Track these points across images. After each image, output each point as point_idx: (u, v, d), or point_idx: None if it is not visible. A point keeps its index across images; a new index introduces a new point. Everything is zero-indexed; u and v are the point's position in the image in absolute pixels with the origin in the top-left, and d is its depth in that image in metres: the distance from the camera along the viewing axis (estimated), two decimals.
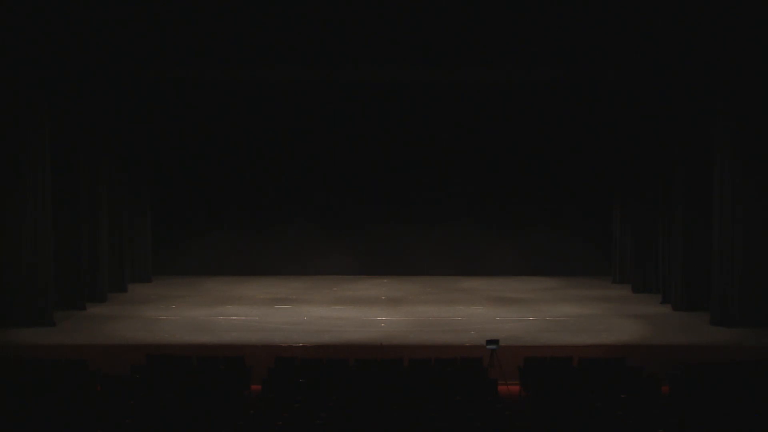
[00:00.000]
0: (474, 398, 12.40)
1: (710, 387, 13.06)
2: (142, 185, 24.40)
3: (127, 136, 23.31)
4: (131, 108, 23.13)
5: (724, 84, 18.27)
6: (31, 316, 18.33)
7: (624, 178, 23.61)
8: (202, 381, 13.40)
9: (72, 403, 11.94)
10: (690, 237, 20.02)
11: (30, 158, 18.41)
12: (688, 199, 20.01)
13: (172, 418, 11.22)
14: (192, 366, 14.67)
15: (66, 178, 19.94)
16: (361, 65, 20.47)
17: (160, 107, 24.38)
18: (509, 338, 16.91)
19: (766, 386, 13.10)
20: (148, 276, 24.60)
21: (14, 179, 18.44)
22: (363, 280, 24.82)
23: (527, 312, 20.36)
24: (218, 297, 22.28)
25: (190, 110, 24.84)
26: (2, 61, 18.09)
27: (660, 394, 13.26)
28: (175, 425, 11.03)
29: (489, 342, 15.09)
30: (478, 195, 25.72)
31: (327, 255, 25.97)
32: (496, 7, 18.57)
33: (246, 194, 25.69)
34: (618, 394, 12.55)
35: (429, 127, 25.30)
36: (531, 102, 24.77)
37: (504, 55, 19.54)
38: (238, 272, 25.45)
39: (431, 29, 18.95)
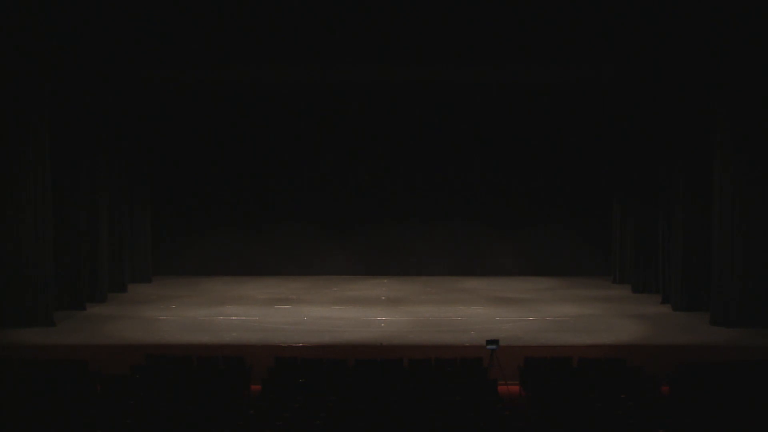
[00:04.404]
0: (474, 398, 12.40)
1: (710, 387, 13.05)
2: (142, 185, 24.40)
3: (127, 136, 23.31)
4: (131, 108, 23.13)
5: (724, 84, 18.27)
6: (31, 316, 18.32)
7: (624, 178, 23.61)
8: (202, 381, 13.40)
9: (72, 403, 11.94)
10: (690, 237, 20.03)
11: (30, 158, 18.40)
12: (688, 199, 20.01)
13: (172, 418, 11.22)
14: (192, 366, 14.67)
15: (66, 178, 19.95)
16: (361, 65, 20.52)
17: (160, 107, 24.40)
18: (509, 338, 16.91)
19: (766, 386, 13.10)
20: (148, 276, 24.61)
21: (14, 179, 18.43)
22: (363, 280, 24.82)
23: (527, 312, 20.35)
24: (218, 297, 22.28)
25: (190, 110, 24.86)
26: (2, 61, 18.09)
27: (660, 394, 13.25)
28: (175, 425, 11.02)
29: (489, 342, 15.08)
30: (478, 195, 25.73)
31: (327, 255, 25.98)
32: (496, 7, 18.59)
33: (246, 194, 25.70)
34: (618, 394, 12.54)
35: (429, 127, 25.31)
36: (531, 102, 24.80)
37: (504, 55, 19.56)
38: (238, 272, 25.47)
39: (431, 29, 18.97)
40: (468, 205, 25.77)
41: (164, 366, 14.63)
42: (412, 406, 11.80)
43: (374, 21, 18.78)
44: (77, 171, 20.34)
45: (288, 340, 17.27)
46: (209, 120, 25.08)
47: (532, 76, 23.04)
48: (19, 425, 10.96)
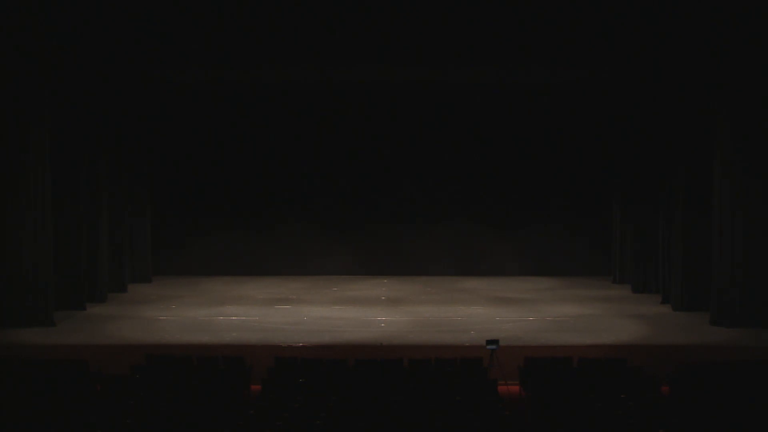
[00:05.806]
0: (474, 398, 12.40)
1: (710, 387, 13.06)
2: (142, 185, 24.41)
3: (126, 136, 23.32)
4: (131, 108, 23.13)
5: (724, 84, 18.27)
6: (31, 316, 18.32)
7: (624, 178, 23.60)
8: (202, 381, 13.40)
9: (72, 403, 11.94)
10: (690, 237, 20.02)
11: (30, 158, 18.41)
12: (688, 199, 20.01)
13: (172, 418, 11.22)
14: (192, 366, 14.67)
15: (66, 178, 19.95)
16: (361, 65, 20.48)
17: (160, 107, 24.40)
18: (509, 338, 16.91)
19: (766, 386, 13.10)
20: (148, 276, 24.61)
21: (14, 179, 18.43)
22: (363, 280, 24.82)
23: (527, 312, 20.35)
24: (218, 297, 22.28)
25: (190, 110, 24.86)
26: (2, 61, 18.09)
27: (660, 394, 13.26)
28: (175, 425, 11.03)
29: (489, 342, 15.08)
30: (478, 195, 25.72)
31: (327, 255, 25.97)
32: (496, 7, 18.59)
33: (246, 194, 25.69)
34: (618, 394, 12.55)
35: (429, 127, 25.32)
36: (531, 102, 24.80)
37: (504, 55, 19.54)
38: (238, 272, 25.45)
39: (431, 29, 18.96)
40: (468, 205, 25.76)
41: (164, 366, 14.64)
42: (412, 406, 11.81)
43: (374, 21, 18.78)
44: (77, 171, 20.33)
45: (288, 340, 17.28)
46: (209, 120, 25.08)
47: (532, 76, 23.02)
48: (19, 425, 10.96)
